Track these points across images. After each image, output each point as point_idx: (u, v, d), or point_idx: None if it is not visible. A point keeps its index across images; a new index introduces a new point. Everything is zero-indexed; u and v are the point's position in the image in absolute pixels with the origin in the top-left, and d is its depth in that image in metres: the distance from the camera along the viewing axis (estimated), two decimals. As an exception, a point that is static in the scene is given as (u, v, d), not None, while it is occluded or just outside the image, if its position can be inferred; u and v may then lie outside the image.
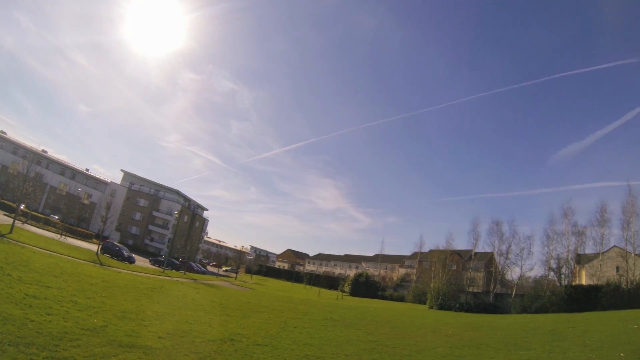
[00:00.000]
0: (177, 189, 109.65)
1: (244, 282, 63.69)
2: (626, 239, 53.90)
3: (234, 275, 79.20)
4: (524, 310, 48.86)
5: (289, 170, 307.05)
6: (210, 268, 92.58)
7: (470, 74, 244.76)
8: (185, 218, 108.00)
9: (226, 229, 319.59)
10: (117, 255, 48.09)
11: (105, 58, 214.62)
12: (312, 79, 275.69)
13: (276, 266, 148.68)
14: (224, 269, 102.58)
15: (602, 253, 59.35)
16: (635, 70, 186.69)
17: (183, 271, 55.78)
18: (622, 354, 16.52)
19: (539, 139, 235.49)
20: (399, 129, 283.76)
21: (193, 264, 68.01)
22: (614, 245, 61.72)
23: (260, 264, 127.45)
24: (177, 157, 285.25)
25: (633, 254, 53.60)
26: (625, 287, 46.16)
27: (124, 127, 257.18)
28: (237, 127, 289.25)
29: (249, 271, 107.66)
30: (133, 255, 51.97)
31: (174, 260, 63.75)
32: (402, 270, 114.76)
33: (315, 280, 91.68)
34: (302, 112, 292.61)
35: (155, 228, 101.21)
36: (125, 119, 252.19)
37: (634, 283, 46.62)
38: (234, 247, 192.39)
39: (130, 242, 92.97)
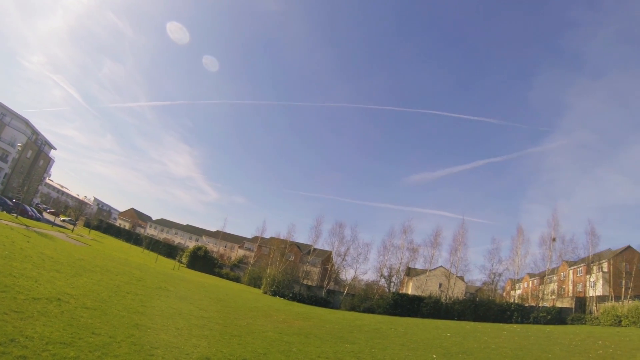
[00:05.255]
0: (27, 118, 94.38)
1: (81, 236, 58.53)
2: (452, 262, 61.20)
3: (71, 227, 72.85)
4: (353, 308, 51.61)
5: (150, 126, 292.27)
6: (46, 215, 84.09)
7: (352, 84, 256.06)
8: (29, 153, 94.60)
9: (72, 175, 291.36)
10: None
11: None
12: (204, 41, 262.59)
13: (117, 224, 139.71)
14: (61, 218, 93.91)
15: (430, 270, 65.61)
16: (493, 130, 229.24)
17: (15, 214, 49.91)
18: (434, 356, 18.01)
19: (397, 160, 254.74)
20: (269, 114, 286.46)
21: (28, 208, 61.00)
22: (441, 266, 69.53)
23: (100, 219, 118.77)
24: (36, 82, 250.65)
25: (455, 276, 61.08)
26: (444, 302, 51.67)
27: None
28: (110, 67, 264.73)
29: (88, 225, 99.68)
30: (-41, 187, 45.39)
31: (7, 200, 57.02)
32: (241, 252, 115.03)
33: (155, 245, 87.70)
34: (179, 70, 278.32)
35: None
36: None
37: (452, 299, 52.60)
38: (77, 196, 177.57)
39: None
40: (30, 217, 56.06)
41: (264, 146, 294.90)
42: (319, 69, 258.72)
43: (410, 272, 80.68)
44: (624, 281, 56.41)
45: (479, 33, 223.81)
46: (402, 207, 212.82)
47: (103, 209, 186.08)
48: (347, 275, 69.65)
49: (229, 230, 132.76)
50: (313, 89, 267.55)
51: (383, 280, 66.71)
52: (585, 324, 44.27)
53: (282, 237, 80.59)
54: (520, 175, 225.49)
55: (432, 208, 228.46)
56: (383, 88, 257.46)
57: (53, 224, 61.77)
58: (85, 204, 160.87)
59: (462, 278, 69.73)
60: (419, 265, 70.74)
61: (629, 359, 18.17)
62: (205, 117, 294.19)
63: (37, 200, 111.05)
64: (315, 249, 78.28)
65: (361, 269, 69.40)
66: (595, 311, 46.64)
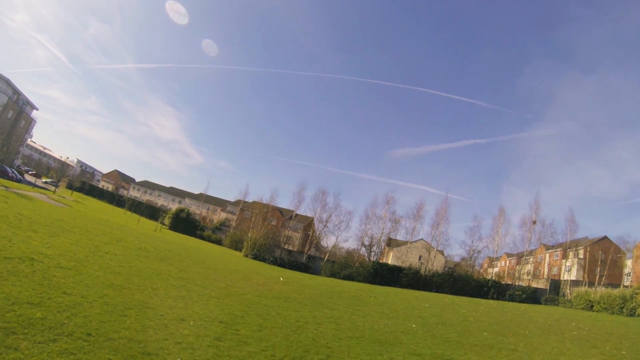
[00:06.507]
0: (8, 77, 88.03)
1: (63, 197, 57.07)
2: (433, 236, 62.09)
3: (53, 188, 71.30)
4: (333, 275, 51.56)
5: (136, 89, 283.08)
6: (27, 177, 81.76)
7: (344, 56, 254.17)
8: (10, 114, 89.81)
9: (55, 137, 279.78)
10: None
11: None
12: (195, 3, 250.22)
13: (100, 186, 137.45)
14: (43, 180, 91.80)
15: (411, 242, 66.05)
16: (480, 112, 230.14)
17: (-6, 176, 48.49)
18: (414, 325, 17.96)
19: (382, 133, 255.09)
20: (259, 81, 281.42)
21: (8, 169, 59.09)
22: (421, 238, 70.67)
23: (83, 181, 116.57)
24: (19, 41, 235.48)
25: (435, 249, 62.41)
26: (423, 274, 52.04)
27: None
28: (96, 28, 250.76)
29: (70, 187, 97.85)
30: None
31: (-14, 162, 55.22)
32: (224, 215, 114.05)
33: (137, 207, 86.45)
34: (169, 32, 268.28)
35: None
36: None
37: (431, 272, 53.03)
38: (59, 158, 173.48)
39: (-64, 131, 77.07)
40: (11, 179, 54.55)
41: (252, 112, 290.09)
42: (313, 38, 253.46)
43: (391, 243, 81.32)
44: (598, 269, 58.04)
45: (475, 16, 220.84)
46: (386, 180, 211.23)
47: (86, 171, 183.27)
48: (329, 242, 69.81)
49: (212, 193, 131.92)
50: (305, 58, 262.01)
51: (364, 249, 67.19)
52: (558, 305, 45.64)
53: (264, 202, 79.96)
54: (505, 159, 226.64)
55: (416, 182, 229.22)
56: (374, 62, 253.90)
57: (34, 185, 60.47)
58: (68, 165, 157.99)
59: (442, 252, 70.62)
60: (400, 236, 71.55)
61: (602, 342, 18.36)
62: (194, 81, 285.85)
63: (18, 161, 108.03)
64: (297, 215, 77.95)
65: (342, 237, 70.18)
66: (569, 294, 47.95)
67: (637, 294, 36.25)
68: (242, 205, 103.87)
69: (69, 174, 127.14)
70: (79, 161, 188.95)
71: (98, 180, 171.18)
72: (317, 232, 67.47)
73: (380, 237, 66.27)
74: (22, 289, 9.40)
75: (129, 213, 77.20)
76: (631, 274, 70.71)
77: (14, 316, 7.61)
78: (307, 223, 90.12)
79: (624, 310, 36.26)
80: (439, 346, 14.07)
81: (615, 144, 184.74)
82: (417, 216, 63.02)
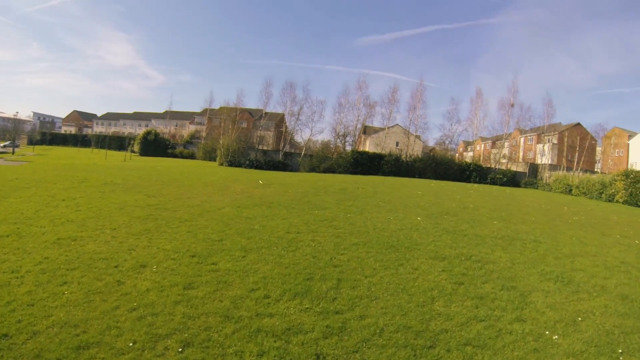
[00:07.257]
0: None
1: (23, 155, 53.26)
2: (410, 119, 61.72)
3: (11, 149, 66.39)
4: (313, 169, 50.69)
5: (78, 22, 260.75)
6: (-17, 149, 76.27)
7: None
8: None
9: (3, 97, 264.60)
10: None
11: None
12: None
13: (62, 132, 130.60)
14: (1, 144, 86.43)
15: (388, 127, 64.91)
16: None
17: (-61, 164, 43.87)
18: (419, 218, 16.26)
19: (342, 22, 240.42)
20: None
21: (-44, 148, 54.35)
22: (397, 124, 68.78)
23: (43, 132, 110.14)
24: None
25: (414, 134, 61.81)
26: (404, 159, 51.85)
27: None
28: None
29: (31, 142, 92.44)
30: None
31: None
32: (193, 127, 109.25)
33: (103, 142, 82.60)
34: None
35: None
36: None
37: (412, 157, 52.98)
38: (12, 117, 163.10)
39: None
40: (-40, 158, 50.01)
41: (209, 18, 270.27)
42: None
43: (367, 130, 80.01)
44: (577, 154, 59.78)
45: None
46: (354, 70, 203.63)
47: (45, 121, 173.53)
48: (304, 135, 68.31)
49: (178, 108, 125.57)
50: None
51: (339, 140, 65.92)
52: (537, 188, 47.04)
53: (231, 105, 76.61)
54: (472, 45, 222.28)
55: (385, 71, 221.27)
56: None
57: (-13, 154, 55.65)
58: (24, 121, 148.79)
59: (419, 137, 69.51)
60: (376, 122, 70.82)
61: (607, 229, 18.01)
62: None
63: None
64: (267, 113, 74.90)
65: (317, 128, 68.48)
66: (547, 178, 49.45)
67: (616, 180, 36.79)
68: (209, 114, 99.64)
69: (27, 129, 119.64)
70: (35, 113, 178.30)
71: (60, 128, 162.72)
72: (290, 127, 65.26)
73: (356, 124, 64.88)
74: None
75: (95, 150, 73.81)
76: (600, 161, 76.86)
77: None
78: (279, 119, 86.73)
79: (603, 195, 37.44)
80: (459, 243, 12.43)
81: (585, 34, 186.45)
82: (392, 100, 61.50)
